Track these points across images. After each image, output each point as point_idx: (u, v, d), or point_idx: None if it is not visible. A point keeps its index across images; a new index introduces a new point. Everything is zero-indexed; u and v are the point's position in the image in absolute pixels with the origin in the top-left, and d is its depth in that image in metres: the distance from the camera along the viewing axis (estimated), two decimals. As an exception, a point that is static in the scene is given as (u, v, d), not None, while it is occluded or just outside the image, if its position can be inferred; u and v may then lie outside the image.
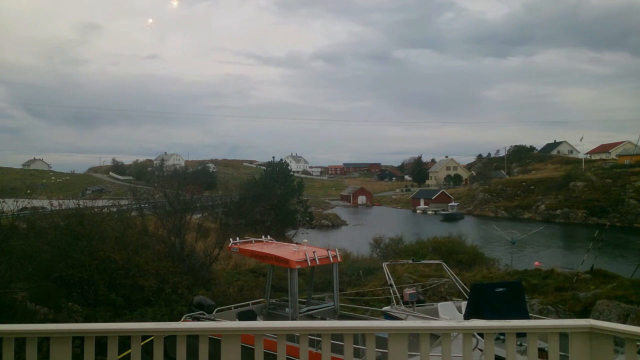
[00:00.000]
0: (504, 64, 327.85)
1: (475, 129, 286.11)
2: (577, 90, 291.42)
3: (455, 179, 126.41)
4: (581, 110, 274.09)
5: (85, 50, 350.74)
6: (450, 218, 79.52)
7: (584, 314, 14.58)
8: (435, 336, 5.26)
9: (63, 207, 17.75)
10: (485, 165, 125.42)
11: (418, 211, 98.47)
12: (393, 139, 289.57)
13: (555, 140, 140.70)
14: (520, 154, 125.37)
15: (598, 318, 13.42)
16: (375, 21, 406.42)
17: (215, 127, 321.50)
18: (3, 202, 13.35)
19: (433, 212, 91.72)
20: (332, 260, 10.32)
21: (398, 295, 11.34)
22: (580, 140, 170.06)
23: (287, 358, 3.78)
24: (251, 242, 11.95)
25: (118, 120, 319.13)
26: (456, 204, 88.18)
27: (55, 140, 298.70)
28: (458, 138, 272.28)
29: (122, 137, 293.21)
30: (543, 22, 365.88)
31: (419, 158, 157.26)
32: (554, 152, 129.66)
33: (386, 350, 3.86)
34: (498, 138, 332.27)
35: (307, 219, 55.75)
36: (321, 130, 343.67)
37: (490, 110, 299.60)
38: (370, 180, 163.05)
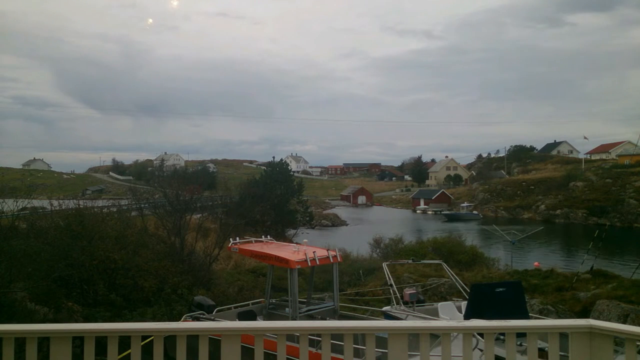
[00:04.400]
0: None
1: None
2: None
3: (455, 179, 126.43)
4: None
5: (176, 12, 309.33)
6: (454, 218, 78.90)
7: (584, 314, 14.59)
8: (435, 336, 5.26)
9: (63, 207, 17.76)
10: (485, 165, 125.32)
11: (418, 211, 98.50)
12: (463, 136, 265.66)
13: (555, 140, 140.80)
14: (520, 154, 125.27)
15: (598, 318, 13.41)
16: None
17: (266, 124, 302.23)
18: (3, 202, 13.35)
19: (433, 212, 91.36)
20: (332, 260, 10.33)
21: (398, 295, 11.34)
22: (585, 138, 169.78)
23: (287, 358, 3.78)
24: (251, 242, 11.95)
25: (188, 113, 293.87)
26: (468, 204, 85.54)
27: (89, 138, 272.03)
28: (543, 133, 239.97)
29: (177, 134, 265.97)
30: None
31: (419, 158, 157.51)
32: (554, 152, 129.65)
33: (386, 350, 3.86)
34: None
35: (307, 219, 55.81)
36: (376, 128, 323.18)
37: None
38: (370, 180, 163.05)
